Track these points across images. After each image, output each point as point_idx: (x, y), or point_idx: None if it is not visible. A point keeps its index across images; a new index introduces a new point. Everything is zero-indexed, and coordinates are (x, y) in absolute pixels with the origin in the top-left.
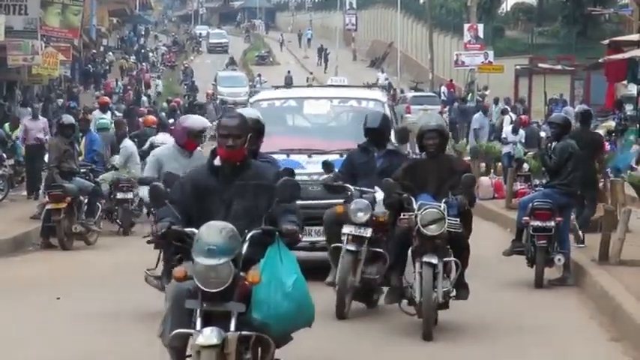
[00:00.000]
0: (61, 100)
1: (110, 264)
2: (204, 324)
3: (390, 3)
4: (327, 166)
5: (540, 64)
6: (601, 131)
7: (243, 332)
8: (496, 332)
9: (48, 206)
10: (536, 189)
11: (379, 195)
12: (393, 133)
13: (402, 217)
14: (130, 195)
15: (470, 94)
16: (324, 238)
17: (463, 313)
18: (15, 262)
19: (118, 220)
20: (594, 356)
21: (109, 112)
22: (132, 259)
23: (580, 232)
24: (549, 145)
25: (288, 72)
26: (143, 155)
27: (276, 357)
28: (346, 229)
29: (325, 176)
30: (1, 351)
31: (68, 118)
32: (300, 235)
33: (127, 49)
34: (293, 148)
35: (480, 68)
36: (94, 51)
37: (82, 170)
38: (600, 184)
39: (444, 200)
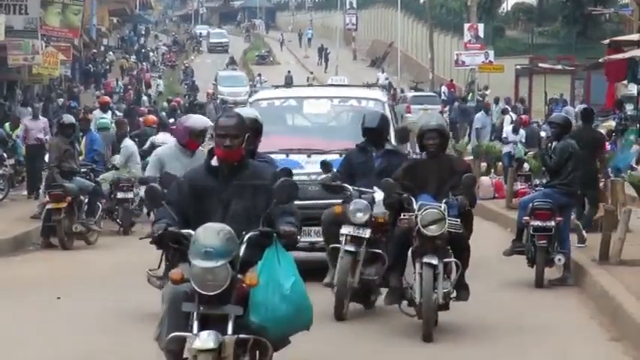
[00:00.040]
0: (62, 100)
1: (110, 264)
2: (201, 327)
3: (391, 3)
4: (325, 165)
5: (541, 64)
6: (602, 131)
7: (241, 335)
8: (496, 332)
9: (48, 206)
10: (537, 189)
11: (378, 195)
12: (392, 132)
13: (402, 217)
14: (130, 195)
15: (470, 94)
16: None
17: (463, 314)
18: (15, 262)
19: (118, 220)
20: (594, 356)
21: (109, 112)
22: (132, 258)
23: (584, 232)
24: (549, 144)
25: (289, 72)
26: (143, 155)
27: None
28: (345, 230)
29: (324, 176)
30: (1, 351)
31: (69, 118)
32: (299, 237)
33: (127, 49)
34: (292, 148)
35: (480, 68)
36: (95, 51)
37: (82, 170)
38: (601, 184)
39: (444, 200)
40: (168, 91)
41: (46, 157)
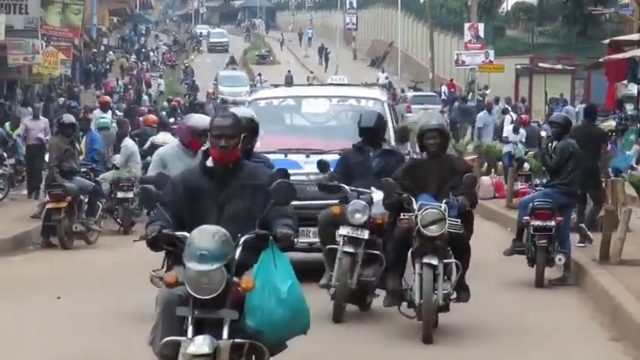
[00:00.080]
0: (62, 100)
1: (110, 263)
2: (196, 332)
3: (391, 2)
4: (322, 165)
5: (541, 64)
6: None
7: (236, 340)
8: (496, 333)
9: (48, 205)
10: (537, 188)
11: (376, 196)
12: (392, 132)
13: (401, 217)
14: (130, 194)
15: (470, 94)
16: None
17: (463, 315)
18: (15, 262)
19: (118, 220)
20: (595, 356)
21: (109, 112)
22: (132, 258)
23: (589, 233)
24: (550, 144)
25: (289, 71)
26: (144, 154)
27: None
28: (343, 231)
29: (321, 176)
30: (1, 351)
31: (69, 118)
32: (295, 240)
33: (127, 49)
34: (291, 148)
35: (480, 68)
36: (95, 50)
37: (82, 169)
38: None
39: (444, 201)
40: (169, 91)
41: (47, 157)
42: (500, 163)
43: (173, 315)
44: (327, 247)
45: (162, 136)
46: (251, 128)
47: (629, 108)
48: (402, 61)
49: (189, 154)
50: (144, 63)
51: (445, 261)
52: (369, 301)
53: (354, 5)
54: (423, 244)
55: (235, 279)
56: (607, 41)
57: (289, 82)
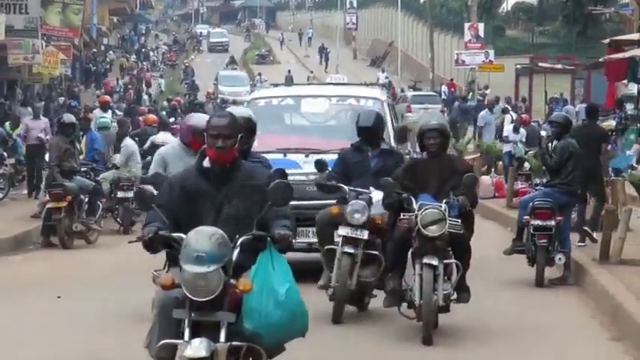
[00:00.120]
0: (62, 99)
1: (111, 263)
2: (193, 334)
3: (391, 2)
4: (320, 165)
5: (541, 64)
6: None
7: (234, 343)
8: (497, 333)
9: (48, 205)
10: (537, 188)
11: (375, 196)
12: (392, 132)
13: (401, 217)
14: (130, 194)
15: (470, 94)
16: None
17: (463, 315)
18: (16, 261)
19: (118, 219)
20: (595, 355)
21: (109, 111)
22: (132, 258)
23: (594, 234)
24: (550, 144)
25: (289, 71)
26: (144, 154)
27: None
28: (342, 231)
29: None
30: (1, 350)
31: (69, 117)
32: (293, 241)
33: (127, 48)
34: (290, 148)
35: (480, 67)
36: (95, 50)
37: (82, 169)
38: None
39: (444, 201)
40: (169, 91)
41: (47, 157)
42: (501, 162)
43: (170, 317)
44: (326, 247)
45: (163, 136)
46: (248, 128)
47: (629, 108)
48: (402, 61)
49: (190, 154)
50: (144, 63)
51: (445, 261)
52: (367, 301)
53: (354, 5)
54: (423, 245)
55: (233, 281)
56: (607, 41)
57: (289, 81)
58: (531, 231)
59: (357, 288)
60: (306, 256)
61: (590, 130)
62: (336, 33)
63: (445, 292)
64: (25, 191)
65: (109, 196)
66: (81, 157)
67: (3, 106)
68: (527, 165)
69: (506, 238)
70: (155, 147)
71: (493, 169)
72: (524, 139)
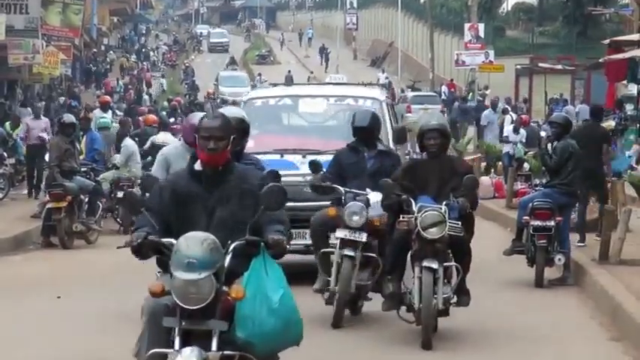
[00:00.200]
0: (63, 99)
1: (111, 263)
2: (184, 343)
3: (391, 2)
4: (314, 165)
5: (541, 64)
6: None
7: (226, 352)
8: (496, 334)
9: (48, 205)
10: (537, 188)
11: (372, 197)
12: (390, 132)
13: (401, 219)
14: None
15: (470, 94)
16: None
17: (463, 316)
18: (16, 261)
19: (118, 219)
20: (594, 356)
21: (109, 111)
22: (132, 258)
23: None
24: (550, 144)
25: (289, 71)
26: (144, 154)
27: None
28: (340, 233)
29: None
30: (1, 350)
31: (69, 117)
32: (288, 247)
33: (127, 48)
34: (287, 148)
35: (480, 68)
36: (95, 50)
37: (82, 169)
38: None
39: (444, 202)
40: (169, 91)
41: (47, 157)
42: (500, 163)
43: (159, 326)
44: (322, 251)
45: (163, 136)
46: (241, 129)
47: (629, 108)
48: (402, 61)
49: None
50: (144, 63)
51: (445, 264)
52: (361, 304)
53: (355, 5)
54: (422, 247)
55: (225, 288)
56: (607, 41)
57: (289, 82)
58: (531, 231)
59: (356, 291)
60: (303, 258)
61: (592, 130)
62: (336, 33)
63: (445, 295)
64: (25, 191)
65: (109, 196)
66: (81, 157)
67: (3, 106)
68: (526, 165)
69: (505, 239)
70: (155, 147)
71: (493, 170)
72: (524, 140)
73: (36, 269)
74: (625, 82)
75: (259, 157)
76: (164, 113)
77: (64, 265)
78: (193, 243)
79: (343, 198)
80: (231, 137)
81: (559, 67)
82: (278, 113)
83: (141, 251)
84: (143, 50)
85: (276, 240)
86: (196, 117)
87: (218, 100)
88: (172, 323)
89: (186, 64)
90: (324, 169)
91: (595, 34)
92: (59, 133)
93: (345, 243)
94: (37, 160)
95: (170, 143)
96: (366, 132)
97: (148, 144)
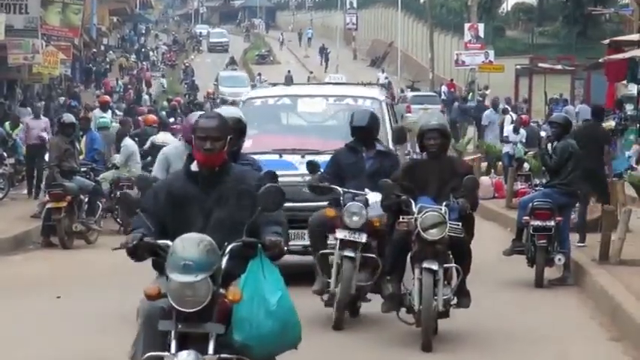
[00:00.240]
0: (62, 99)
1: (110, 263)
2: (180, 347)
3: (391, 2)
4: (311, 166)
5: (541, 64)
6: None
7: (223, 355)
8: (496, 335)
9: (48, 205)
10: (537, 189)
11: (371, 197)
12: (390, 132)
13: (400, 220)
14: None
15: (470, 94)
16: None
17: (463, 317)
18: (15, 261)
19: (118, 219)
20: (594, 356)
21: (109, 111)
22: None
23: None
24: (550, 144)
25: (289, 71)
26: (144, 154)
27: None
28: (340, 234)
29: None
30: (1, 350)
31: (69, 117)
32: (285, 248)
33: (127, 48)
34: (286, 148)
35: (480, 68)
36: (95, 50)
37: (82, 169)
38: None
39: (445, 203)
40: (169, 91)
41: (46, 157)
42: (500, 163)
43: (155, 329)
44: (321, 252)
45: (162, 136)
46: (238, 129)
47: (629, 108)
48: (402, 61)
49: None
50: (144, 63)
51: (445, 266)
52: (359, 306)
53: (354, 5)
54: (422, 248)
55: (222, 290)
56: (607, 41)
57: (289, 82)
58: (531, 231)
59: (356, 293)
60: (301, 259)
61: (592, 130)
62: (336, 33)
63: (445, 297)
64: (25, 191)
65: (109, 196)
66: (81, 157)
67: (3, 106)
68: (526, 165)
69: (505, 239)
70: (155, 147)
71: (493, 170)
72: (524, 140)
73: (36, 269)
74: (625, 82)
75: (258, 157)
76: (164, 113)
77: (63, 265)
78: (189, 245)
79: (341, 198)
80: (228, 137)
81: (559, 67)
82: (277, 113)
83: (136, 253)
84: (143, 50)
85: (274, 241)
86: (196, 117)
87: (218, 100)
88: (168, 326)
89: (186, 64)
90: (322, 170)
91: (595, 34)
92: (59, 133)
93: (344, 244)
94: (36, 160)
95: (170, 143)
96: (364, 132)
97: (148, 144)
